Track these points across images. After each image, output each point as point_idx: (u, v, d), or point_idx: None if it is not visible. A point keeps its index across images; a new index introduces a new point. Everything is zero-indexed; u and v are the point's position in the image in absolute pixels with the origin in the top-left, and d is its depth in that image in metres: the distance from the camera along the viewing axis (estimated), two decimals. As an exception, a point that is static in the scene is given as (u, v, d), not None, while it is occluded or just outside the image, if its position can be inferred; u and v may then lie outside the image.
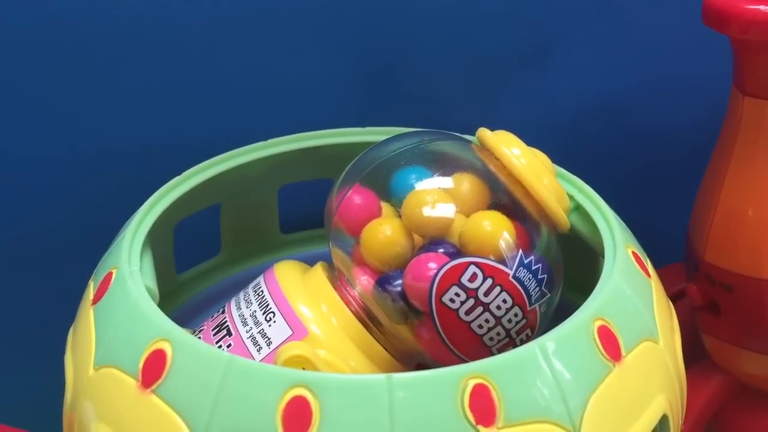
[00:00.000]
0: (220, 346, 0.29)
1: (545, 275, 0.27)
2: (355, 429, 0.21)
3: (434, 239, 0.28)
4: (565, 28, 0.40)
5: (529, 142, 0.31)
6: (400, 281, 0.28)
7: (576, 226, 0.31)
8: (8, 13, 0.34)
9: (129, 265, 0.27)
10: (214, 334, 0.30)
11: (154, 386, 0.23)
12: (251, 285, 0.31)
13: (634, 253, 0.28)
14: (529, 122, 0.38)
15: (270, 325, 0.29)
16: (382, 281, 0.28)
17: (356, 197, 0.30)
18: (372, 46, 0.39)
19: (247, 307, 0.30)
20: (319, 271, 0.31)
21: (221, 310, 0.31)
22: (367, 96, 0.40)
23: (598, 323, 0.24)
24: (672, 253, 0.39)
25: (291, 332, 0.28)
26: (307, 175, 0.39)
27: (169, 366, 0.23)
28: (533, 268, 0.27)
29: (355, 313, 0.29)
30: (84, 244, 0.36)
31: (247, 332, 0.29)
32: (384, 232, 0.28)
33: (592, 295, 0.25)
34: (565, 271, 0.30)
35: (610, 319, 0.24)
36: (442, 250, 0.28)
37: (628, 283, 0.26)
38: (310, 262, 0.33)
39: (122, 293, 0.26)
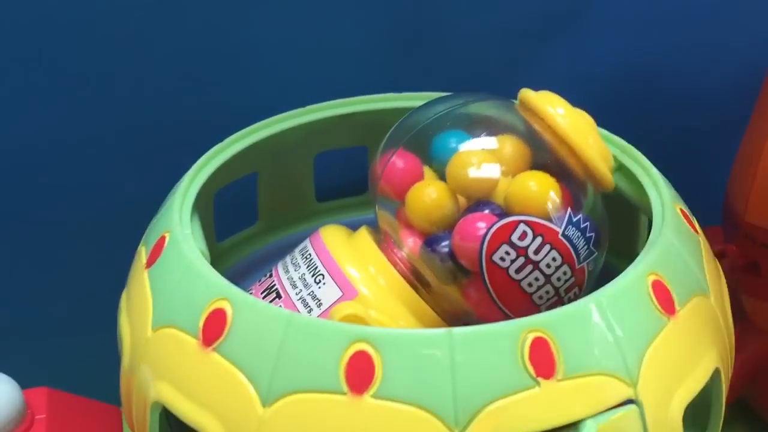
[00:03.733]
0: None
1: (593, 234, 0.28)
2: (417, 382, 0.21)
3: (480, 200, 0.28)
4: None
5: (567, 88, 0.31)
6: (447, 242, 0.28)
7: (620, 186, 0.31)
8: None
9: (181, 228, 0.27)
10: (263, 297, 0.30)
11: (216, 344, 0.24)
12: (298, 249, 0.31)
13: (681, 210, 0.28)
14: (564, 85, 0.38)
15: (320, 287, 0.29)
16: (430, 242, 0.28)
17: (400, 161, 0.30)
18: (407, 11, 0.39)
19: (295, 271, 0.30)
20: (364, 234, 0.31)
21: (268, 274, 0.31)
22: (402, 61, 0.40)
23: (652, 278, 0.24)
24: (709, 215, 0.40)
25: (341, 293, 0.29)
26: (343, 143, 0.39)
27: (229, 324, 0.24)
28: (582, 226, 0.27)
29: (403, 275, 0.29)
30: (127, 213, 0.36)
31: (297, 294, 0.29)
32: (429, 195, 0.28)
33: (644, 251, 0.25)
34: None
35: (663, 273, 0.24)
36: (488, 211, 0.28)
37: (679, 239, 0.26)
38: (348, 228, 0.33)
39: (177, 256, 0.26)
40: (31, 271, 0.38)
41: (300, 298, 0.29)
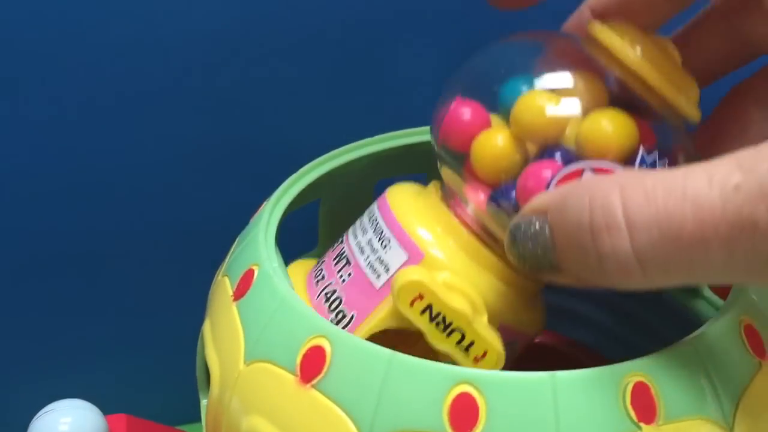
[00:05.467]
0: (341, 277, 0.29)
1: None
2: (522, 425, 0.22)
3: (549, 146, 0.26)
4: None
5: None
6: (514, 193, 0.26)
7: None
8: (111, 17, 0.35)
9: (270, 262, 0.28)
10: (334, 264, 0.30)
11: (315, 381, 0.24)
12: (366, 212, 0.31)
13: None
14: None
15: (386, 251, 0.28)
16: (496, 196, 0.27)
17: (460, 110, 0.28)
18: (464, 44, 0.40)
19: (363, 235, 0.29)
20: (432, 192, 0.30)
21: (340, 240, 0.31)
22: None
23: (744, 322, 0.24)
24: None
25: (407, 257, 0.28)
26: (403, 170, 0.39)
27: (329, 362, 0.24)
28: (658, 166, 0.25)
29: (472, 232, 0.28)
30: (200, 239, 0.37)
31: (365, 260, 0.29)
32: (495, 144, 0.27)
33: (732, 294, 0.25)
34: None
35: (753, 317, 0.25)
36: (557, 156, 0.26)
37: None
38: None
39: (270, 290, 0.27)
40: (105, 298, 0.39)
41: (368, 264, 0.28)
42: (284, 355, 0.25)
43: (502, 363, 0.26)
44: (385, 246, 0.28)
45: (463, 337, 0.26)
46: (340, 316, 0.28)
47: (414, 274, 0.25)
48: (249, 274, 0.28)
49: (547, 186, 0.25)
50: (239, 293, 0.28)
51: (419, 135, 0.38)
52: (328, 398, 0.23)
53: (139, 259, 0.38)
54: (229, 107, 0.39)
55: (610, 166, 0.25)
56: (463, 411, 0.22)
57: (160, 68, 0.36)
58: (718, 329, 0.24)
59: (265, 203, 0.32)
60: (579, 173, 0.25)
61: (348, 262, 0.29)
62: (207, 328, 0.29)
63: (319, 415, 0.24)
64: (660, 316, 0.36)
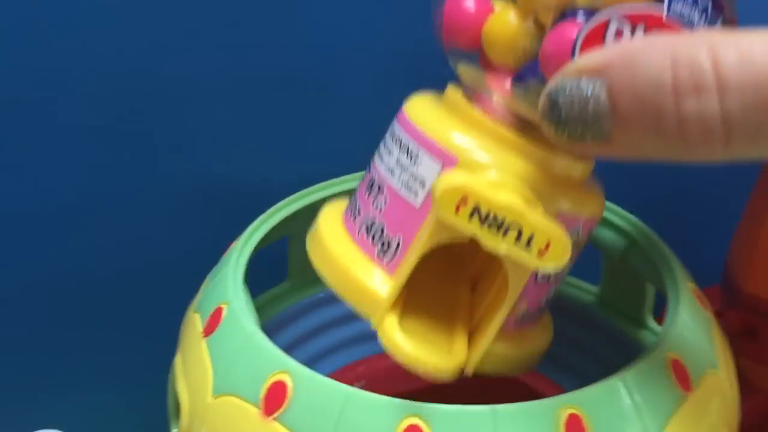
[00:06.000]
0: (377, 206, 0.28)
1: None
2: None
3: (563, 11, 0.25)
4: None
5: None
6: (538, 69, 0.25)
7: (632, 262, 0.34)
8: (106, 57, 0.37)
9: (238, 301, 0.30)
10: (368, 195, 0.29)
11: (277, 414, 0.26)
12: (387, 133, 0.29)
13: (693, 289, 0.31)
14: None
15: (417, 166, 0.27)
16: (519, 77, 0.26)
17: (461, 4, 0.27)
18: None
19: (389, 156, 0.28)
20: (450, 95, 0.28)
21: (367, 169, 0.30)
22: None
23: (671, 357, 0.27)
24: (708, 275, 0.42)
25: (440, 165, 0.26)
26: None
27: (290, 396, 0.26)
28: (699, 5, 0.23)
29: (503, 125, 0.26)
30: (161, 280, 0.39)
31: (398, 181, 0.27)
32: (507, 24, 0.26)
33: (663, 331, 0.28)
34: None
35: (680, 353, 0.27)
36: (575, 18, 0.24)
37: (692, 319, 0.29)
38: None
39: (237, 328, 0.29)
40: (80, 333, 0.40)
41: (402, 184, 0.27)
42: (249, 389, 0.27)
43: (568, 252, 0.24)
44: (415, 160, 0.26)
45: (520, 234, 0.24)
46: (386, 245, 0.27)
47: (452, 178, 0.24)
48: (218, 312, 0.30)
49: (572, 51, 0.23)
50: (209, 330, 0.30)
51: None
52: (289, 430, 0.25)
53: (111, 296, 0.40)
54: (200, 148, 0.41)
55: (639, 8, 0.23)
56: (410, 439, 0.24)
57: (129, 106, 0.38)
58: (647, 365, 0.26)
59: (234, 243, 0.34)
60: (604, 25, 0.23)
61: (380, 189, 0.28)
62: (178, 362, 0.31)
63: (280, 446, 0.26)
64: (609, 345, 0.39)
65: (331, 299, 0.43)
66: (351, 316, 0.43)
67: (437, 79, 0.29)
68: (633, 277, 0.36)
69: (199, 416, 0.28)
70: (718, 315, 0.41)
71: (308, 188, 0.38)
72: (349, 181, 0.39)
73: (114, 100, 0.37)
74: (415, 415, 0.24)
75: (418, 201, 0.27)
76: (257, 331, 0.28)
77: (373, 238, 0.28)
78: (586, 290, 0.40)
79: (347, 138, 0.42)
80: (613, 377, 0.25)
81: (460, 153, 0.26)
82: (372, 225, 0.28)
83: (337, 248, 0.29)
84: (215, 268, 0.33)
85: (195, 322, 0.31)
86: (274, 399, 0.26)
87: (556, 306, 0.32)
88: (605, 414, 0.25)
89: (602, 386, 0.25)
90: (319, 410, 0.25)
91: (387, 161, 0.28)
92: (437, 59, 0.29)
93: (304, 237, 0.41)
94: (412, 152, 0.27)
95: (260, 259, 0.38)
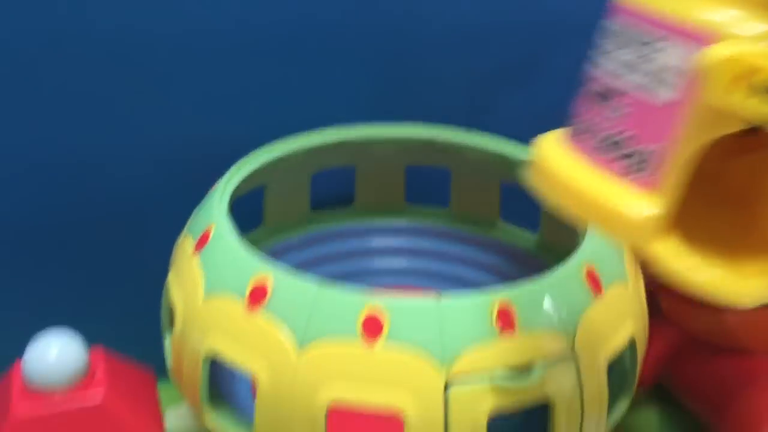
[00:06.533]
0: (613, 116, 0.25)
1: None
2: (415, 335, 0.29)
3: None
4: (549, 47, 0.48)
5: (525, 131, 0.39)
6: None
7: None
8: (97, 18, 0.41)
9: (224, 222, 0.35)
10: (596, 109, 0.25)
11: (259, 307, 0.31)
12: (603, 37, 0.26)
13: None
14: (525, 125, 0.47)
15: (660, 57, 0.23)
16: None
17: None
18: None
19: (613, 58, 0.25)
20: None
21: (583, 83, 0.27)
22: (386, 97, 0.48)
23: (586, 266, 0.32)
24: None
25: (692, 48, 0.22)
26: (334, 163, 0.47)
27: (270, 291, 0.31)
28: None
29: None
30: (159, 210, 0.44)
31: (636, 81, 0.24)
32: None
33: (581, 246, 0.34)
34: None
35: (595, 263, 0.33)
36: None
37: (606, 240, 0.35)
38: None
39: (225, 241, 0.34)
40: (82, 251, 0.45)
41: (642, 83, 0.24)
42: (235, 289, 0.32)
43: None
44: (656, 51, 0.23)
45: None
46: (636, 158, 0.24)
47: (721, 49, 0.20)
48: (207, 231, 0.35)
49: None
50: (199, 246, 0.35)
51: (348, 132, 0.45)
52: (271, 318, 0.31)
53: (105, 239, 0.45)
54: (184, 103, 0.45)
55: None
56: (372, 324, 0.29)
57: (120, 65, 0.43)
58: (566, 271, 0.32)
59: (217, 182, 0.39)
60: None
61: (612, 96, 0.24)
62: (172, 276, 0.36)
63: (262, 331, 0.31)
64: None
65: (304, 244, 0.48)
66: (326, 258, 0.48)
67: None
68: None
69: (191, 318, 0.33)
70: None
71: (285, 138, 0.43)
72: (313, 137, 0.44)
73: (105, 56, 0.42)
74: (375, 303, 0.30)
75: (665, 97, 0.23)
76: (242, 242, 0.33)
77: (618, 153, 0.24)
78: (524, 238, 0.46)
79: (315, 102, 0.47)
80: (538, 278, 0.31)
81: (718, 28, 0.22)
82: (612, 139, 0.24)
83: (578, 175, 0.25)
84: (203, 201, 0.38)
85: (187, 242, 0.36)
86: (258, 295, 0.31)
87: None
88: (530, 307, 0.30)
89: (530, 284, 0.31)
90: (295, 302, 0.31)
91: (611, 64, 0.25)
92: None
93: (280, 185, 0.46)
94: (650, 43, 0.23)
95: (237, 208, 0.43)
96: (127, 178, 0.45)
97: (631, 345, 0.34)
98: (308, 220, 0.48)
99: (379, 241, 0.49)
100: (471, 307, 0.30)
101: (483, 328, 0.30)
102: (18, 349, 0.36)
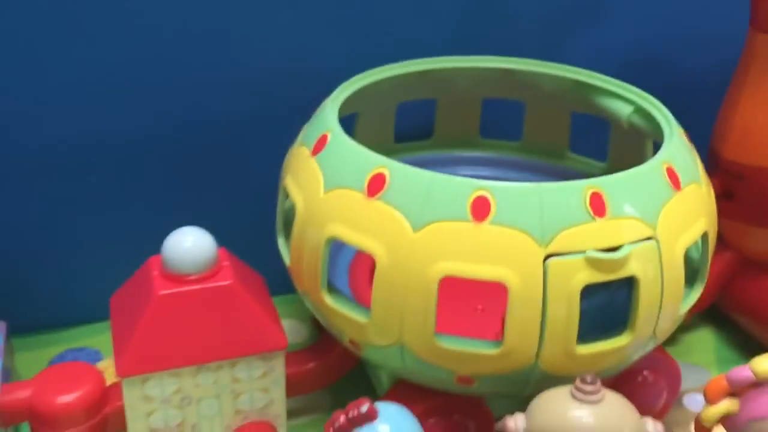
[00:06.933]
0: None
1: None
2: (519, 215, 0.34)
3: None
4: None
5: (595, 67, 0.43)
6: None
7: (637, 124, 0.43)
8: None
9: (339, 128, 0.39)
10: None
11: (378, 195, 0.35)
12: None
13: (684, 133, 0.40)
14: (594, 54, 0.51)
15: None
16: None
17: None
18: None
19: None
20: None
21: None
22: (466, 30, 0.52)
23: (666, 165, 0.36)
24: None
25: None
26: (418, 95, 0.51)
27: (388, 182, 0.35)
28: None
29: None
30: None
31: None
32: None
33: (662, 148, 0.37)
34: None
35: (673, 163, 0.37)
36: None
37: (683, 144, 0.39)
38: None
39: (341, 143, 0.38)
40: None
41: None
42: (355, 181, 0.36)
43: None
44: None
45: None
46: None
47: None
48: (323, 138, 0.39)
49: None
50: (316, 151, 0.39)
51: (430, 63, 0.49)
52: (389, 204, 0.35)
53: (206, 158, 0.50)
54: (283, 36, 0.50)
55: None
56: (480, 207, 0.34)
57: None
58: (650, 167, 0.36)
59: (324, 102, 0.43)
60: None
61: None
62: (288, 180, 0.41)
63: (381, 215, 0.35)
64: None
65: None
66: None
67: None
68: (637, 142, 0.46)
69: (313, 209, 0.38)
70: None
71: (381, 67, 0.47)
72: (416, 63, 0.48)
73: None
74: (483, 188, 0.34)
75: None
76: (358, 144, 0.37)
77: None
78: (592, 166, 0.50)
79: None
80: (626, 172, 0.35)
81: None
82: None
83: None
84: (312, 118, 0.43)
85: (302, 150, 0.40)
86: (376, 185, 0.36)
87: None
88: (619, 195, 0.35)
89: (619, 176, 0.35)
90: (410, 190, 0.35)
91: None
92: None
93: (370, 114, 0.50)
94: None
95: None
96: (235, 107, 0.50)
97: (704, 239, 0.38)
98: (392, 151, 0.52)
99: (459, 171, 0.53)
100: (567, 192, 0.34)
101: (578, 211, 0.34)
102: (150, 250, 0.41)
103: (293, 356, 0.45)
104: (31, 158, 0.48)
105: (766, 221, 0.48)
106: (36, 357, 0.50)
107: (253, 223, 0.48)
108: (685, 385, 0.45)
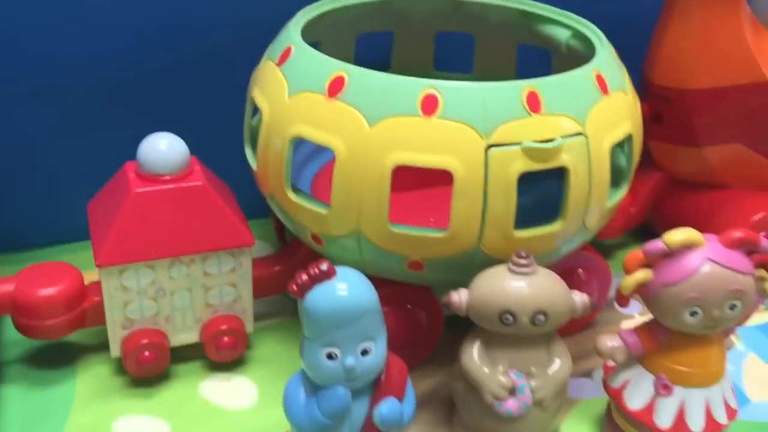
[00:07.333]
0: None
1: None
2: (461, 111, 0.37)
3: None
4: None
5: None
6: None
7: (575, 46, 0.48)
8: None
9: (302, 42, 0.43)
10: None
11: (338, 95, 0.39)
12: None
13: (615, 52, 0.44)
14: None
15: None
16: None
17: None
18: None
19: None
20: None
21: None
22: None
23: (595, 72, 0.41)
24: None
25: None
26: (456, 26, 0.54)
27: (346, 84, 0.39)
28: None
29: None
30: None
31: None
32: None
33: (594, 59, 0.42)
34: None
35: (602, 71, 0.41)
36: None
37: (612, 58, 0.43)
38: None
39: (304, 54, 0.42)
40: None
41: None
42: (316, 85, 0.40)
43: None
44: None
45: None
46: None
47: None
48: (287, 51, 0.43)
49: None
50: (281, 62, 0.43)
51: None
52: (347, 104, 0.39)
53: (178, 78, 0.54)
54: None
55: None
56: (429, 103, 0.37)
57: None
58: (581, 73, 0.40)
59: (288, 23, 0.47)
60: None
61: None
62: (255, 91, 0.44)
63: (340, 114, 0.39)
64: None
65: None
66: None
67: None
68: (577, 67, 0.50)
69: (278, 113, 0.41)
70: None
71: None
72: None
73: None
74: (431, 87, 0.38)
75: None
76: (319, 52, 0.41)
77: None
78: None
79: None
80: (560, 74, 0.39)
81: None
82: None
83: None
84: (276, 36, 0.46)
85: (268, 64, 0.44)
86: (335, 87, 0.39)
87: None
88: (554, 94, 0.39)
89: (552, 77, 0.39)
90: (367, 89, 0.39)
91: None
92: None
93: (330, 42, 0.53)
94: None
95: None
96: (205, 32, 0.53)
97: (628, 141, 0.42)
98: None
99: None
100: (507, 91, 0.38)
101: (516, 107, 0.38)
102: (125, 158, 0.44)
103: (260, 261, 0.48)
104: (5, 81, 0.51)
105: (691, 141, 0.52)
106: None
107: (227, 150, 0.51)
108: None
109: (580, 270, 0.48)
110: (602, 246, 0.57)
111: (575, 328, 0.50)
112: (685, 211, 0.56)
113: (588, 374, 0.47)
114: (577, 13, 0.50)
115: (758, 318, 0.52)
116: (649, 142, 0.56)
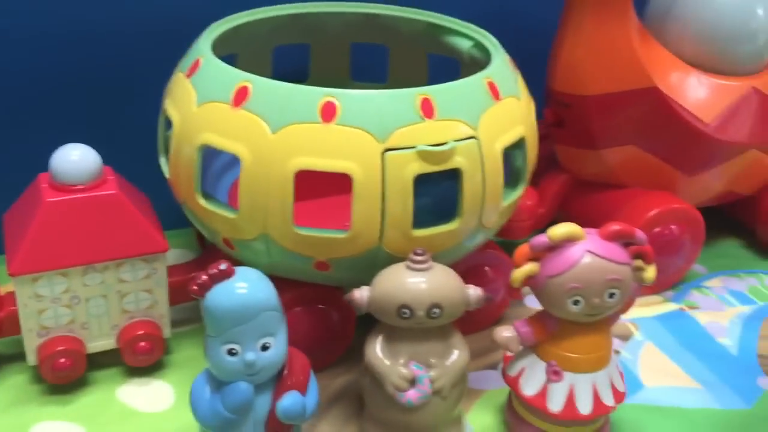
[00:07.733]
0: None
1: None
2: (359, 117, 0.39)
3: None
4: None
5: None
6: None
7: (475, 55, 0.50)
8: None
9: (210, 54, 0.44)
10: None
11: (242, 105, 0.41)
12: None
13: (512, 60, 0.47)
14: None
15: None
16: None
17: None
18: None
19: None
20: None
21: None
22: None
23: (488, 79, 0.43)
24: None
25: None
26: (369, 38, 0.56)
27: (250, 94, 0.41)
28: None
29: None
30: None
31: None
32: None
33: (487, 67, 0.44)
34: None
35: (495, 78, 0.44)
36: None
37: (506, 66, 0.46)
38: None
39: (212, 65, 0.43)
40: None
41: None
42: (223, 95, 0.42)
43: None
44: None
45: None
46: None
47: None
48: (196, 62, 0.44)
49: None
50: (190, 73, 0.44)
51: (303, 8, 0.55)
52: (251, 112, 0.40)
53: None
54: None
55: None
56: (328, 110, 0.40)
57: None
58: (474, 80, 0.43)
59: (200, 35, 0.48)
60: None
61: None
62: (168, 103, 0.46)
63: (244, 122, 0.41)
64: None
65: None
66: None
67: None
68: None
69: (187, 122, 0.43)
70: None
71: (251, 10, 0.52)
72: (289, 7, 0.53)
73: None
74: (330, 95, 0.40)
75: None
76: (226, 64, 0.43)
77: None
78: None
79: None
80: (453, 82, 0.42)
81: None
82: None
83: None
84: (189, 49, 0.47)
85: (178, 76, 0.46)
86: (240, 97, 0.41)
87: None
88: (447, 100, 0.41)
89: (445, 85, 0.41)
90: (270, 98, 0.40)
91: None
92: None
93: (248, 54, 0.55)
94: None
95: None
96: (122, 45, 0.54)
97: (522, 144, 0.45)
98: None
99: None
100: (402, 98, 0.40)
101: (410, 113, 0.40)
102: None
103: (177, 267, 0.50)
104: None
105: (590, 144, 0.55)
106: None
107: (152, 162, 0.51)
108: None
109: (487, 268, 0.50)
110: (512, 245, 0.59)
111: (486, 324, 0.53)
112: (589, 210, 0.59)
113: (494, 366, 0.50)
114: (489, 27, 0.53)
115: (656, 309, 0.56)
116: (554, 146, 0.59)
